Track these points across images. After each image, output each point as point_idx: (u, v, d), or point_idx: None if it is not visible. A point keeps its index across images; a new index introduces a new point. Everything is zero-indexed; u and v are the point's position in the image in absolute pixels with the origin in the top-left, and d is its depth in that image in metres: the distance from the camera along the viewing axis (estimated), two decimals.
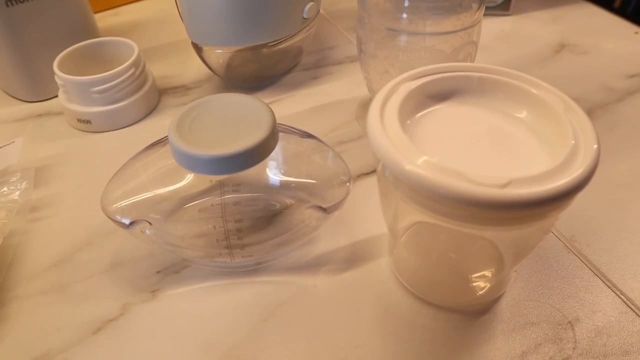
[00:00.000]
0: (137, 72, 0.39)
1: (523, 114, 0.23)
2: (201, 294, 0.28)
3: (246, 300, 0.27)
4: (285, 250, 0.29)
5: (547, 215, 0.20)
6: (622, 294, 0.27)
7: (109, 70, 0.38)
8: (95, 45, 0.41)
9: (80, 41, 0.40)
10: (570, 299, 0.26)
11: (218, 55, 0.41)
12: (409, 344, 0.25)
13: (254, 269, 0.29)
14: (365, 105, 0.40)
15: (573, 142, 0.20)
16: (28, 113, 0.42)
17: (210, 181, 0.27)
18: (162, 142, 0.28)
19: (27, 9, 0.39)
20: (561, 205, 0.19)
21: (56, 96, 0.42)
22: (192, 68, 0.46)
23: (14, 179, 0.32)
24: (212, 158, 0.23)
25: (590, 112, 0.39)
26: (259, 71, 0.43)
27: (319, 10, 0.43)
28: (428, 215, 0.21)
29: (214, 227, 0.26)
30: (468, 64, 0.24)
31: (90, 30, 0.44)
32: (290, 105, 0.41)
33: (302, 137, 0.29)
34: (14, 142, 0.36)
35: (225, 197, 0.27)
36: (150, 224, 0.26)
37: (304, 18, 0.40)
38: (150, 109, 0.41)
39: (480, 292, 0.26)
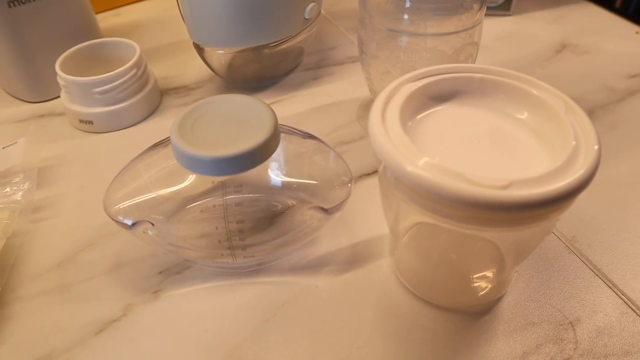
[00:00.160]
0: (139, 73, 0.39)
1: (524, 115, 0.23)
2: (203, 295, 0.28)
3: (248, 301, 0.27)
4: (286, 251, 0.29)
5: (548, 216, 0.20)
6: (623, 294, 0.27)
7: (111, 71, 0.38)
8: (97, 45, 0.41)
9: (82, 42, 0.41)
10: (571, 300, 0.27)
11: (220, 55, 0.41)
12: (410, 344, 0.25)
13: (256, 270, 0.29)
14: (366, 105, 0.40)
15: (574, 143, 0.20)
16: (30, 114, 0.42)
17: (212, 182, 0.27)
18: (164, 143, 0.28)
19: (29, 9, 0.39)
20: (562, 207, 0.19)
21: (58, 97, 0.42)
22: (193, 68, 0.46)
23: (17, 179, 0.33)
24: (214, 159, 0.24)
25: (591, 112, 0.39)
26: (261, 72, 0.44)
27: (320, 11, 0.43)
28: (429, 216, 0.21)
29: (216, 227, 0.26)
30: (469, 65, 0.25)
31: (92, 31, 0.44)
32: (291, 106, 0.41)
33: (304, 137, 0.29)
34: (16, 142, 0.36)
35: (227, 197, 0.27)
36: (152, 224, 0.26)
37: (306, 18, 0.40)
38: (152, 110, 0.41)
39: (481, 293, 0.26)
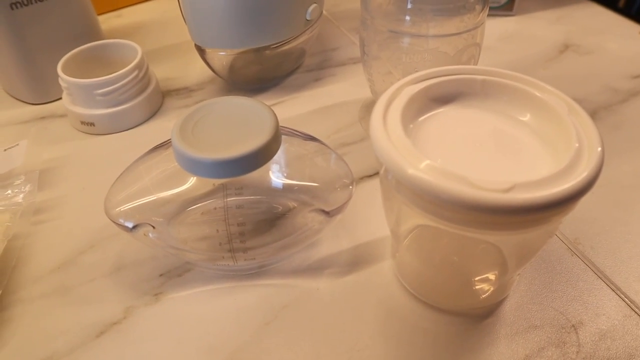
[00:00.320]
0: (141, 75, 0.39)
1: (527, 117, 0.23)
2: (204, 297, 0.28)
3: (249, 304, 0.27)
4: (287, 254, 0.29)
5: (551, 219, 0.20)
6: (626, 297, 0.27)
7: (113, 73, 0.38)
8: (99, 47, 0.41)
9: (84, 43, 0.41)
10: (574, 302, 0.26)
11: (221, 57, 0.41)
12: (411, 347, 0.25)
13: (257, 272, 0.29)
14: (368, 107, 0.40)
15: (577, 145, 0.20)
16: (32, 115, 0.42)
17: (213, 184, 0.27)
18: (165, 145, 0.28)
19: (31, 11, 0.39)
20: (566, 209, 0.19)
21: (60, 98, 0.42)
22: (195, 70, 0.46)
23: (18, 181, 0.33)
24: (215, 162, 0.23)
25: (594, 113, 0.39)
26: (262, 73, 0.43)
27: (321, 12, 0.43)
28: (430, 219, 0.20)
29: (217, 230, 0.26)
30: (471, 66, 0.24)
31: (94, 33, 0.44)
32: (293, 107, 0.41)
33: (305, 139, 0.29)
34: (18, 144, 0.36)
35: (228, 200, 0.27)
36: (153, 227, 0.26)
37: (307, 20, 0.40)
38: (154, 111, 0.41)
39: (483, 296, 0.26)
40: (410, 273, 0.27)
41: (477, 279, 0.26)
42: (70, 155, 0.38)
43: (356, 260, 0.29)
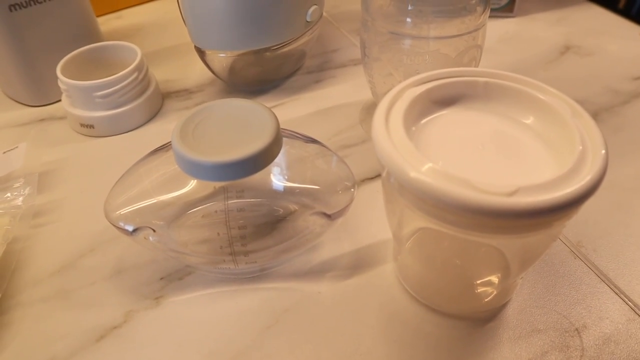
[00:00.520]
0: (140, 76, 0.39)
1: (529, 120, 0.23)
2: (205, 301, 0.27)
3: (250, 307, 0.27)
4: (289, 257, 0.28)
5: (555, 222, 0.19)
6: (629, 300, 0.26)
7: (112, 75, 0.37)
8: (98, 49, 0.41)
9: (84, 45, 0.40)
10: (577, 306, 0.26)
11: (221, 59, 0.41)
12: (413, 351, 0.25)
13: (258, 276, 0.28)
14: (369, 108, 0.40)
15: (580, 147, 0.20)
16: (31, 117, 0.42)
17: (214, 187, 0.27)
18: (165, 147, 0.28)
19: (29, 13, 0.39)
20: (570, 213, 0.19)
21: (59, 100, 0.41)
22: (195, 71, 0.46)
23: (18, 184, 0.32)
24: (216, 164, 0.23)
25: (595, 115, 0.38)
26: (262, 75, 0.43)
27: (322, 14, 0.42)
28: (433, 222, 0.20)
29: (218, 233, 0.26)
30: (473, 68, 0.24)
31: (93, 34, 0.44)
32: (293, 109, 0.41)
33: (306, 142, 0.29)
34: (17, 147, 0.36)
35: (229, 202, 0.27)
36: (153, 230, 0.26)
37: (307, 21, 0.40)
38: (154, 113, 0.41)
39: (486, 299, 0.26)
40: (412, 276, 0.27)
41: (479, 282, 0.26)
42: (70, 158, 0.37)
43: (358, 263, 0.29)
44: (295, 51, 0.43)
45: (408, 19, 0.31)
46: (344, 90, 0.43)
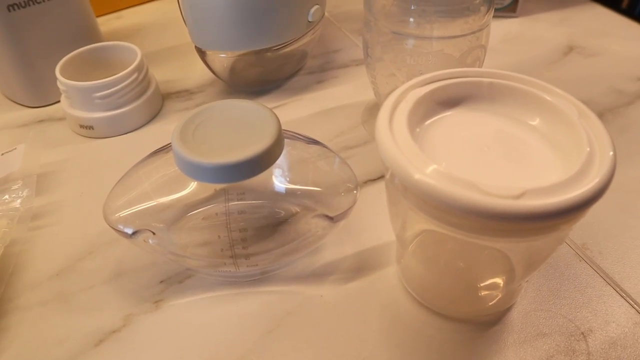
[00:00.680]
0: (140, 77, 0.39)
1: (535, 121, 0.22)
2: (205, 305, 0.27)
3: (251, 311, 0.27)
4: (290, 260, 0.28)
5: (562, 226, 0.19)
6: (635, 303, 0.26)
7: (112, 75, 0.37)
8: (98, 49, 0.41)
9: (83, 45, 0.40)
10: (583, 309, 0.26)
11: (222, 59, 0.41)
12: (416, 355, 0.24)
13: (259, 279, 0.28)
14: (371, 109, 0.40)
15: (588, 149, 0.19)
16: (30, 119, 0.41)
17: (215, 189, 0.27)
18: (165, 149, 0.28)
19: (28, 13, 0.39)
20: (578, 216, 0.19)
21: (59, 101, 0.41)
22: (195, 72, 0.45)
23: (16, 186, 0.32)
24: (216, 166, 0.23)
25: (600, 116, 0.37)
26: (264, 75, 0.43)
27: (324, 13, 0.42)
28: (437, 225, 0.20)
29: (219, 236, 0.26)
30: (478, 69, 0.24)
31: (92, 35, 0.44)
32: (295, 110, 0.40)
33: (308, 143, 0.29)
34: (15, 148, 0.36)
35: (230, 204, 0.26)
36: (153, 233, 0.26)
37: (309, 21, 0.40)
38: (154, 114, 0.41)
39: (490, 303, 0.26)
40: (415, 279, 0.27)
41: (483, 285, 0.26)
42: (69, 159, 0.37)
43: (360, 266, 0.28)
44: (297, 51, 0.42)
45: (411, 19, 0.31)
46: (346, 91, 0.42)
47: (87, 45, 0.40)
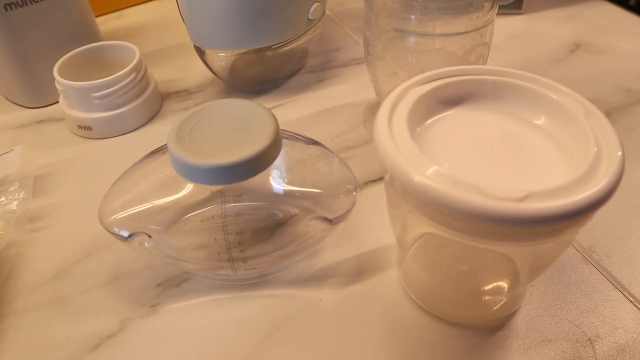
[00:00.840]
0: (139, 77, 0.38)
1: (540, 120, 0.22)
2: (203, 309, 0.27)
3: (249, 315, 0.26)
4: (289, 262, 0.28)
5: (568, 230, 0.18)
6: None
7: (111, 75, 0.37)
8: (96, 49, 0.40)
9: (82, 45, 0.40)
10: (590, 314, 0.25)
11: (221, 58, 0.40)
12: None
13: (258, 282, 0.28)
14: (372, 108, 0.39)
15: (595, 149, 0.19)
16: (28, 119, 0.41)
17: (211, 190, 0.26)
18: (162, 149, 0.27)
19: (26, 13, 0.38)
20: (584, 220, 0.18)
21: (57, 102, 0.41)
22: (195, 71, 0.45)
23: (12, 188, 0.32)
24: (212, 168, 0.22)
25: (607, 115, 0.36)
26: (264, 74, 0.42)
27: (324, 11, 0.42)
28: (438, 228, 0.19)
29: (215, 239, 0.25)
30: (481, 66, 0.23)
31: (91, 34, 0.43)
32: (295, 109, 0.40)
33: (307, 143, 0.28)
34: (12, 150, 0.36)
35: (227, 206, 0.26)
36: (149, 236, 0.25)
37: (309, 19, 0.39)
38: (153, 114, 0.40)
39: (494, 307, 0.25)
40: (416, 283, 0.26)
41: (487, 290, 0.25)
42: (67, 160, 0.37)
43: (360, 269, 0.28)
44: (297, 50, 0.42)
45: (413, 16, 0.30)
46: (347, 90, 0.42)
47: (86, 44, 0.40)
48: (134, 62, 0.38)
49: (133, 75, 0.38)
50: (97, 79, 0.36)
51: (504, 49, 0.45)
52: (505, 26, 0.48)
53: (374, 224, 0.30)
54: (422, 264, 0.26)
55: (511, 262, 0.24)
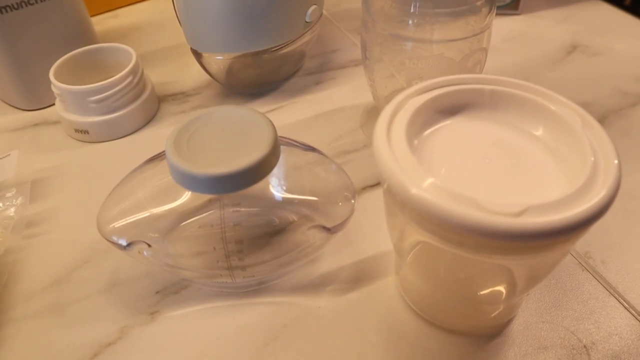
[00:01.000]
0: (136, 80, 0.38)
1: (539, 131, 0.22)
2: (201, 316, 0.27)
3: (248, 323, 0.26)
4: (287, 270, 0.28)
5: (566, 242, 0.19)
6: (639, 315, 0.26)
7: (107, 78, 0.37)
8: (92, 52, 0.40)
9: (78, 47, 0.39)
10: (585, 321, 0.25)
11: (218, 61, 0.40)
12: None
13: (256, 290, 0.28)
14: (369, 112, 0.39)
15: (592, 159, 0.19)
16: (25, 122, 0.41)
17: (209, 198, 0.26)
18: (160, 156, 0.27)
19: (22, 15, 0.38)
20: (582, 233, 0.18)
21: (53, 104, 0.40)
22: (192, 73, 0.45)
23: (9, 194, 0.32)
24: (211, 177, 0.22)
25: (603, 118, 0.37)
26: (261, 77, 0.42)
27: (321, 13, 0.41)
28: (435, 240, 0.19)
29: (214, 248, 0.25)
30: (479, 75, 0.23)
31: (87, 36, 0.43)
32: (292, 113, 0.40)
33: (304, 150, 0.28)
34: (9, 155, 0.35)
35: (225, 214, 0.26)
36: (149, 245, 0.25)
37: (307, 22, 0.39)
38: (150, 117, 0.40)
39: (491, 315, 0.25)
40: (414, 291, 0.26)
41: (484, 298, 0.25)
42: (64, 165, 0.36)
43: (359, 276, 0.28)
44: (295, 52, 0.42)
45: (410, 21, 0.30)
46: (344, 92, 0.42)
47: (82, 46, 0.40)
48: (131, 65, 0.38)
49: (130, 79, 0.37)
50: (93, 82, 0.36)
51: (501, 50, 0.45)
52: (502, 27, 0.48)
53: (372, 230, 0.30)
54: (419, 272, 0.26)
55: (508, 271, 0.24)
